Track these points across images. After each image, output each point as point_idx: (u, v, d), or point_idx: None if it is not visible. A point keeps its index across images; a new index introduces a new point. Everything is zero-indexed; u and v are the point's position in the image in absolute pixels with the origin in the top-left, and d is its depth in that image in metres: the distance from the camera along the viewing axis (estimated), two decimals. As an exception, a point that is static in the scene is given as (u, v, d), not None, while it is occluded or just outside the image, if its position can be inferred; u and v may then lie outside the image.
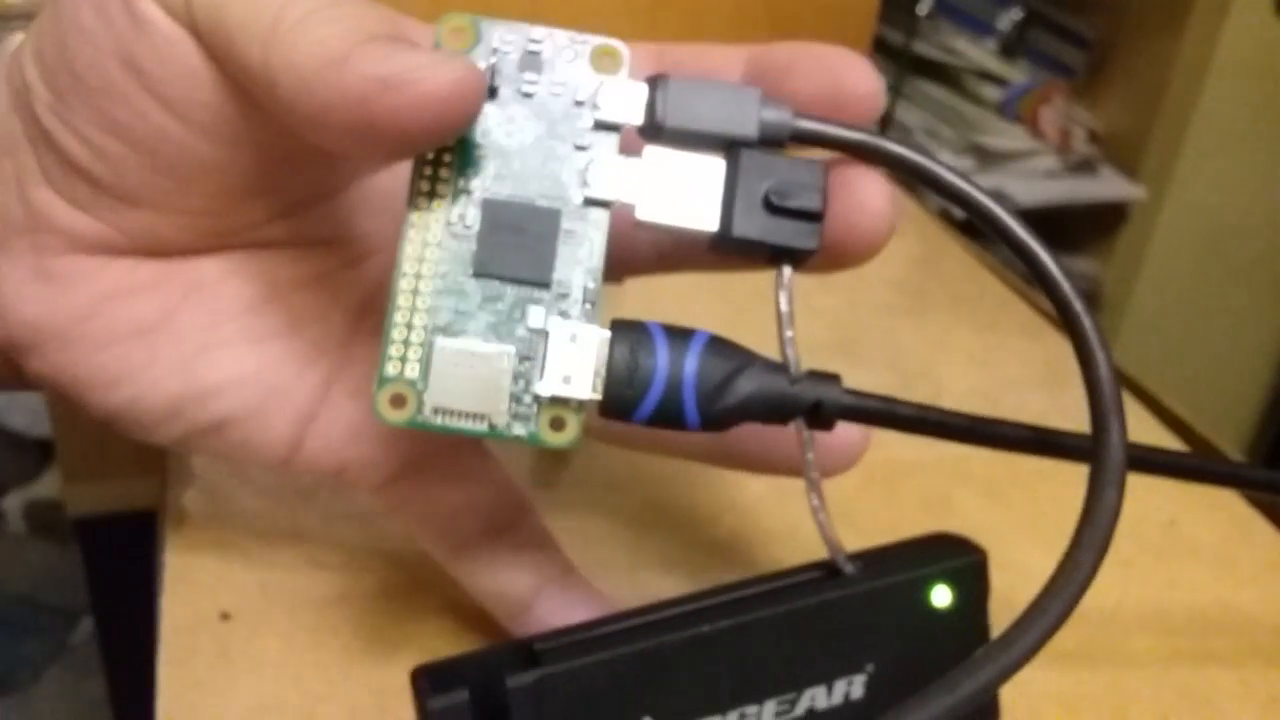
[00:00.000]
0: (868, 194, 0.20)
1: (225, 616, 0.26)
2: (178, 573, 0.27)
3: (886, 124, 0.95)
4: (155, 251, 0.21)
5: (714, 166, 0.19)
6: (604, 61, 0.19)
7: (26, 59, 0.20)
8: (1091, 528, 0.19)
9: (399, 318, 0.19)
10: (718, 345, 0.19)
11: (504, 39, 0.19)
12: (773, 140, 0.19)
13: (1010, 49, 1.05)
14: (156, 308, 0.21)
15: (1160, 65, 1.01)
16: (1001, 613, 0.27)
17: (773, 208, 0.19)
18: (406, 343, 0.19)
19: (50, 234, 0.20)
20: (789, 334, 0.20)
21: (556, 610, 0.24)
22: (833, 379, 0.20)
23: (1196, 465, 0.25)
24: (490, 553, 0.24)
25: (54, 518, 1.17)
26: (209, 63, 0.19)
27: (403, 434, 0.22)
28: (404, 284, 0.19)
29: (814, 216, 0.19)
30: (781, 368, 0.20)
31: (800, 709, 0.20)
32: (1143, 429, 0.35)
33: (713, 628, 0.19)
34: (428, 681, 0.19)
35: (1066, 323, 0.20)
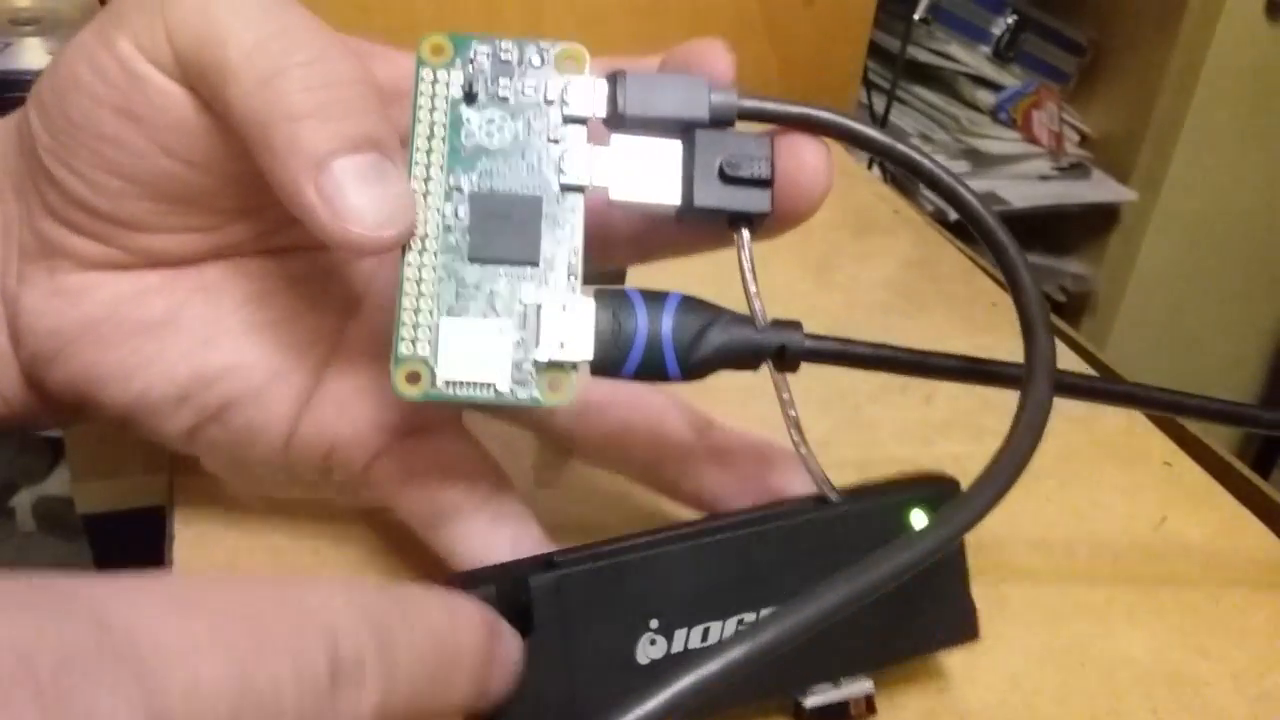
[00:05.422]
0: (807, 154, 0.22)
1: (233, 612, 0.26)
2: (185, 569, 0.27)
3: (882, 127, 0.95)
4: (160, 264, 0.23)
5: (673, 148, 0.21)
6: (568, 64, 0.21)
7: (31, 105, 0.21)
8: (1026, 416, 0.21)
9: (407, 303, 0.21)
10: (690, 303, 0.22)
11: (479, 51, 0.21)
12: (722, 120, 0.22)
13: (1004, 54, 1.05)
14: (164, 307, 0.23)
15: (1152, 69, 1.01)
16: (991, 607, 0.28)
17: (727, 178, 0.21)
18: (416, 325, 0.21)
19: (61, 258, 0.22)
20: (753, 289, 0.22)
21: None
22: (794, 325, 0.22)
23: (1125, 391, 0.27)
24: (468, 524, 0.25)
25: (64, 515, 1.17)
26: (202, 111, 0.20)
27: (388, 411, 0.24)
28: (409, 273, 0.21)
29: (764, 183, 0.21)
30: (748, 319, 0.22)
31: None
32: (1134, 425, 0.36)
33: (713, 539, 0.21)
34: (459, 582, 0.20)
35: (981, 235, 0.22)
